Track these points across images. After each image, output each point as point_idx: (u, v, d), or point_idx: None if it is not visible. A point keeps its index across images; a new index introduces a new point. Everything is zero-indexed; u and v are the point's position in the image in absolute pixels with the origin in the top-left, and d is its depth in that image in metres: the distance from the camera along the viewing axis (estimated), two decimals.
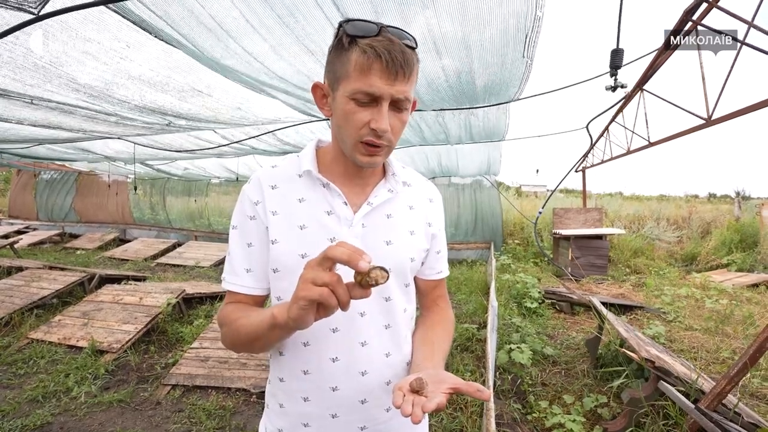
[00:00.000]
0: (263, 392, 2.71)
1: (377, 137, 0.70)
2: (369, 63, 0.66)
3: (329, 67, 0.73)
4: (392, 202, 0.83)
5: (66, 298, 4.51)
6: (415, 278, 0.90)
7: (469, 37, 1.97)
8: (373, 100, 0.68)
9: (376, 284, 0.57)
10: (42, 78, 2.35)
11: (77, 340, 3.40)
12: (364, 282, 0.57)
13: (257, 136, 4.69)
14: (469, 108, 3.48)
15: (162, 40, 1.99)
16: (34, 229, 10.13)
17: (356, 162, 0.75)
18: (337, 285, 0.57)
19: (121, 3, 1.65)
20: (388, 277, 0.58)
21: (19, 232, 9.28)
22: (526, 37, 1.91)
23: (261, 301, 0.83)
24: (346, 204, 0.78)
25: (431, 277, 0.92)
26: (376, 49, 0.65)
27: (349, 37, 0.67)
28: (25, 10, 1.62)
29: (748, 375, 2.98)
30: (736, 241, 8.05)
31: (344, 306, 0.58)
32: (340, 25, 0.69)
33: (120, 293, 4.13)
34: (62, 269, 5.19)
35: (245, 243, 0.79)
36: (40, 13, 1.65)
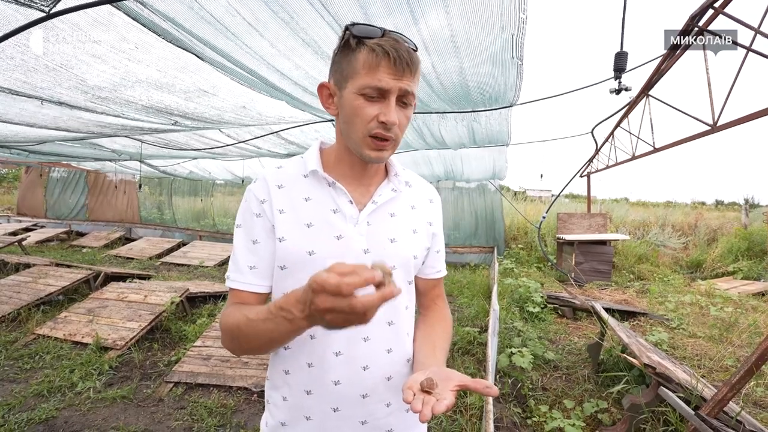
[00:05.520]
0: (264, 391, 2.73)
1: (386, 130, 0.73)
2: (378, 60, 0.70)
3: (336, 67, 0.77)
4: (395, 201, 0.86)
5: (72, 295, 4.57)
6: (415, 278, 0.92)
7: (457, 38, 2.00)
8: (381, 95, 0.72)
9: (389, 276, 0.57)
10: (52, 80, 2.40)
11: (82, 337, 3.44)
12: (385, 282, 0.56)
13: (262, 136, 4.73)
14: (471, 111, 3.50)
15: (170, 42, 2.03)
16: (42, 227, 10.25)
17: (364, 157, 0.77)
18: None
19: (129, 6, 1.69)
20: (390, 272, 0.58)
21: (27, 230, 9.41)
22: (512, 38, 1.94)
23: (264, 299, 0.84)
24: (352, 203, 0.81)
25: (431, 276, 0.94)
26: (383, 47, 0.70)
27: (356, 39, 0.72)
28: (36, 8, 1.66)
29: (752, 383, 2.96)
30: (743, 249, 7.98)
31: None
32: (347, 28, 0.73)
33: (125, 291, 4.17)
34: (69, 266, 5.26)
35: (250, 240, 0.80)
36: (51, 11, 1.68)
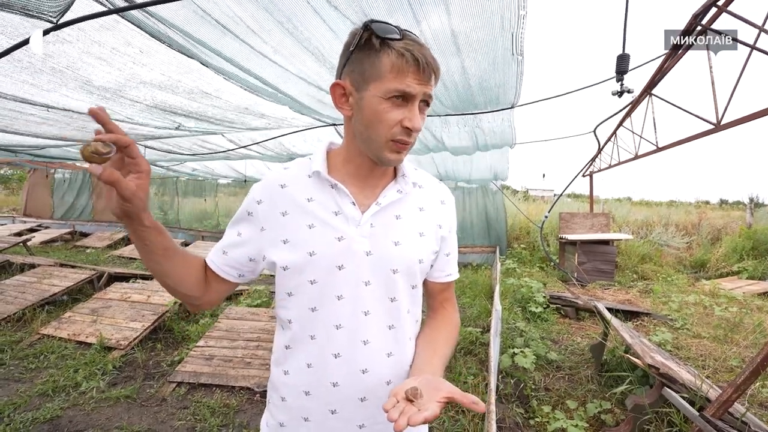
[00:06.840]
0: (266, 391, 2.73)
1: (408, 135, 0.74)
2: (407, 66, 0.70)
3: (354, 67, 0.74)
4: (401, 203, 0.84)
5: (76, 295, 4.59)
6: (424, 280, 0.91)
7: (458, 35, 2.00)
8: (405, 100, 0.72)
9: (99, 155, 0.58)
10: (58, 82, 2.42)
11: (86, 337, 3.46)
12: (87, 152, 0.58)
13: (263, 141, 4.73)
14: (474, 113, 3.49)
15: (176, 50, 2.04)
16: (47, 227, 10.31)
17: (382, 159, 0.77)
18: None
19: (134, 15, 1.71)
20: (110, 151, 0.60)
21: (31, 230, 9.46)
22: (512, 35, 1.95)
23: (216, 279, 0.87)
24: (354, 204, 0.80)
25: (440, 279, 0.92)
26: (413, 53, 0.69)
27: (379, 39, 0.70)
28: (45, 19, 1.68)
29: (758, 384, 2.93)
30: (747, 249, 7.92)
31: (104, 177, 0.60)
32: (366, 26, 0.71)
33: (128, 291, 4.20)
34: (73, 267, 5.29)
35: (236, 231, 0.85)
36: (59, 22, 1.71)
